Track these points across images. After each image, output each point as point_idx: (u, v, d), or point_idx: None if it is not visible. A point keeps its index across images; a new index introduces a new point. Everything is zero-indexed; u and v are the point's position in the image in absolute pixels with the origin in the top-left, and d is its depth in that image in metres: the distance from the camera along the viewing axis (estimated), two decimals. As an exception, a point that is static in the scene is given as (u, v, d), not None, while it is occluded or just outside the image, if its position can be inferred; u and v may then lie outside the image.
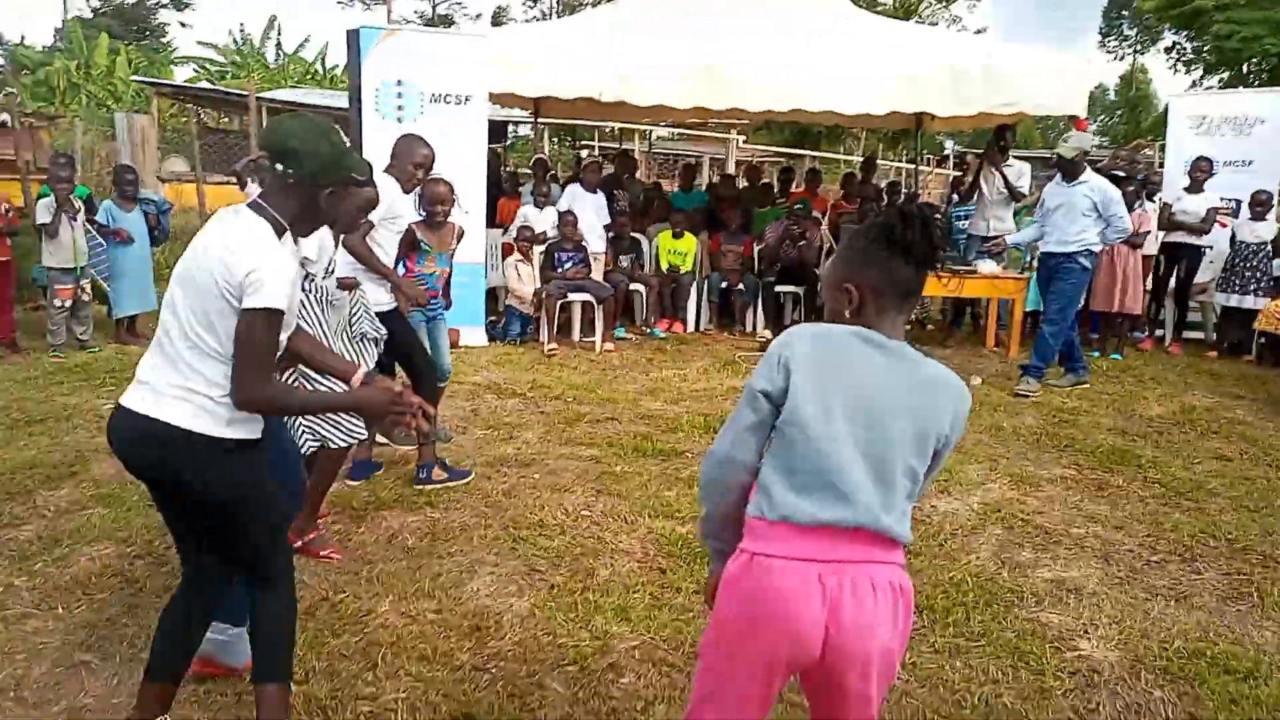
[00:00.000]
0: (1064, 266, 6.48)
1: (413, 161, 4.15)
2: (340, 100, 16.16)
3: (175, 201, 9.59)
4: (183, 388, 2.11)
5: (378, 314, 4.00)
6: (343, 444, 3.58)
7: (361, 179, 2.29)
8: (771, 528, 1.61)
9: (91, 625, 3.01)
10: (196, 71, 28.21)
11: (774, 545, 1.61)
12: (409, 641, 2.96)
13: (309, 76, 27.25)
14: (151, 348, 2.19)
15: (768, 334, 8.35)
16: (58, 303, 6.66)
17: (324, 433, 3.52)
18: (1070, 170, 6.46)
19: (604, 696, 2.71)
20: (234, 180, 8.05)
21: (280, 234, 2.16)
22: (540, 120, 12.30)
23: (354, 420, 3.55)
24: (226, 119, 20.79)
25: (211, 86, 21.61)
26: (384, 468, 4.56)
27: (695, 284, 8.72)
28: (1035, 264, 7.34)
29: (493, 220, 8.96)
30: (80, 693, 2.65)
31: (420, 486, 4.28)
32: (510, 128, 20.40)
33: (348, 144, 2.26)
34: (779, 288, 8.75)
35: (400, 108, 7.29)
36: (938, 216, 1.69)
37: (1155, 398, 6.55)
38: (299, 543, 3.43)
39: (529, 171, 10.02)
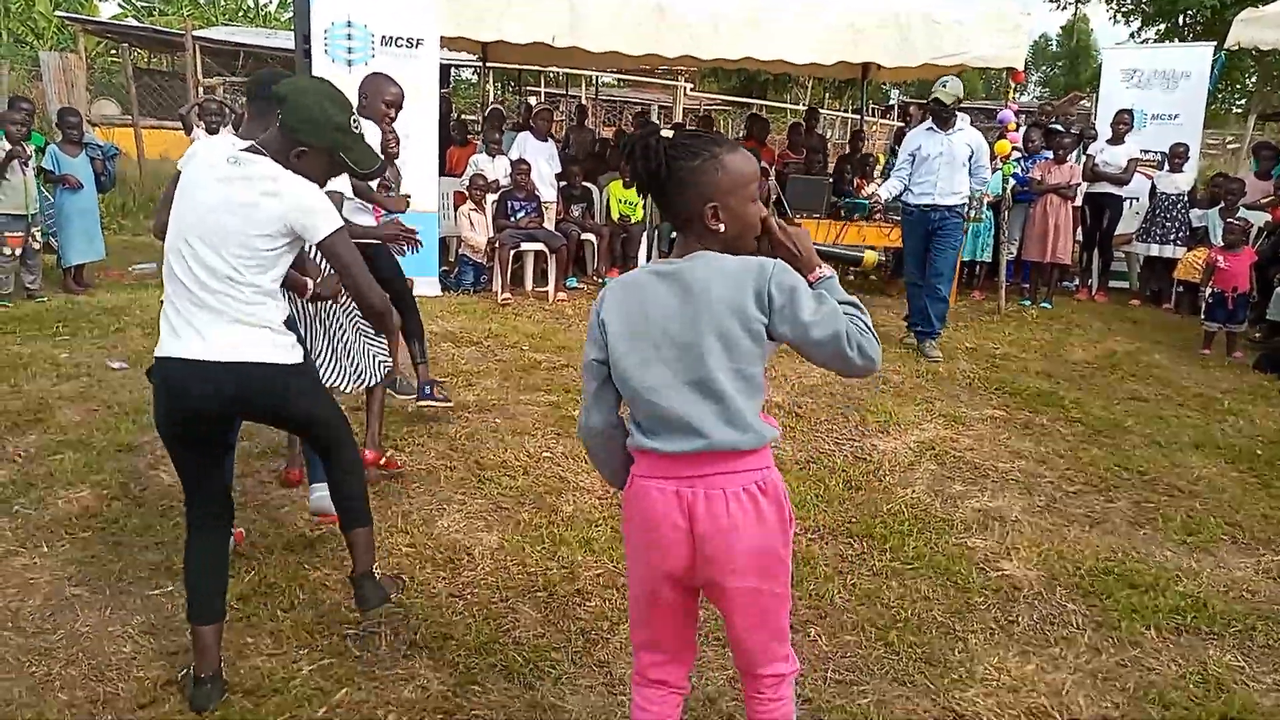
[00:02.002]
0: (949, 221, 6.29)
1: (384, 99, 4.14)
2: (280, 40, 15.76)
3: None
4: (251, 328, 2.31)
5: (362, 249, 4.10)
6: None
7: (362, 171, 2.49)
8: (640, 455, 1.81)
9: (78, 562, 3.14)
10: (122, 7, 27.05)
11: (642, 469, 1.81)
12: (386, 572, 3.15)
13: (241, 13, 26.34)
14: (182, 301, 2.29)
15: (716, 282, 8.55)
16: (6, 251, 6.57)
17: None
18: (948, 119, 6.30)
19: (573, 618, 2.93)
20: (178, 125, 7.92)
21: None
22: (486, 64, 12.19)
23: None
24: (157, 59, 20.09)
25: (141, 24, 20.79)
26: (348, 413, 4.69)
27: (646, 233, 8.86)
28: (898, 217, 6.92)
29: (443, 169, 8.98)
30: (75, 622, 2.80)
31: (421, 403, 4.56)
32: (453, 71, 20.07)
33: (359, 129, 2.44)
34: (727, 237, 8.93)
35: (350, 50, 7.24)
36: (653, 139, 1.76)
37: (1080, 343, 6.94)
38: (382, 460, 3.93)
39: (473, 119, 9.98)
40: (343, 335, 3.73)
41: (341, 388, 3.74)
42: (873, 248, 1.94)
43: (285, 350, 2.38)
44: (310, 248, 2.75)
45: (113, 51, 19.30)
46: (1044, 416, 5.13)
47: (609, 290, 1.84)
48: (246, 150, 2.34)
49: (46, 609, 2.86)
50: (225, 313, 2.28)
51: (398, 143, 4.46)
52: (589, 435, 1.90)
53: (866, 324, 1.76)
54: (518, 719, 2.46)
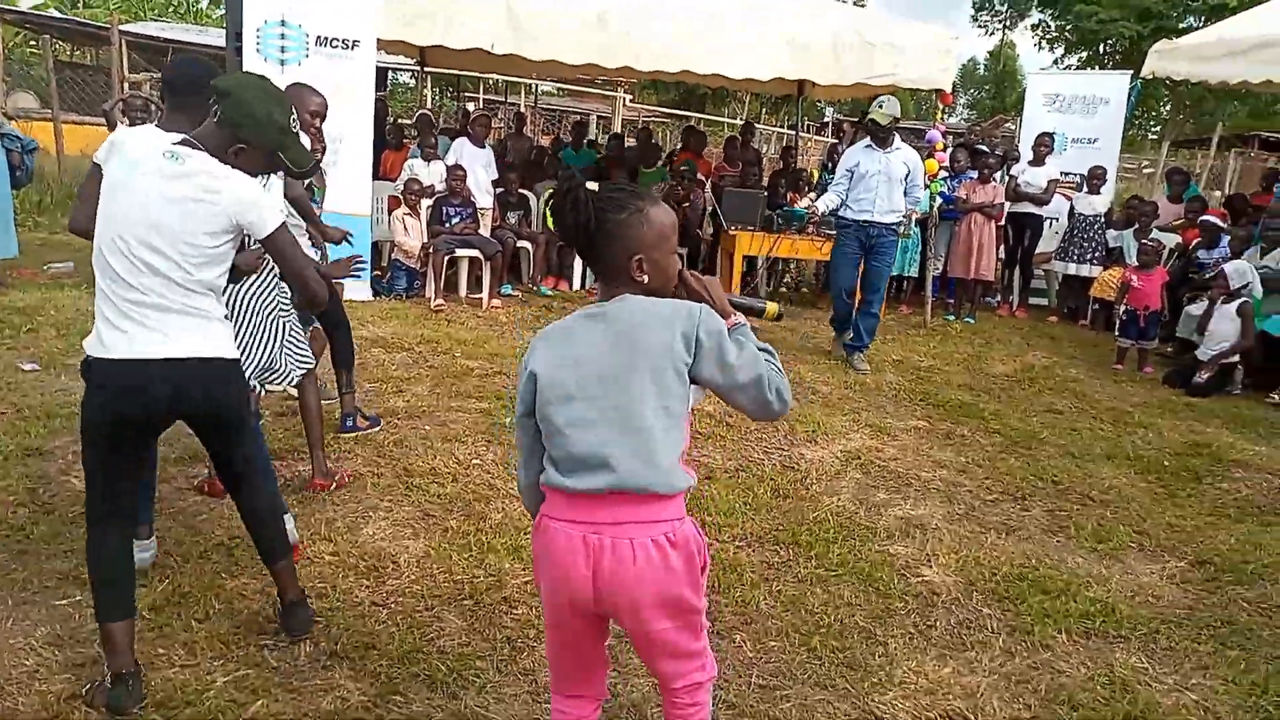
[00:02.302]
0: (885, 240, 6.38)
1: (309, 110, 4.02)
2: (213, 37, 15.38)
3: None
4: (207, 322, 2.34)
5: None
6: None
7: (298, 171, 2.51)
8: (550, 494, 1.81)
9: (-23, 570, 3.01)
10: (45, -2, 26.06)
11: (552, 509, 1.81)
12: (307, 581, 3.08)
13: (172, 9, 25.65)
14: (124, 298, 2.26)
15: (651, 292, 8.59)
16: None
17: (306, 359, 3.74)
18: (886, 138, 6.36)
19: (499, 626, 2.91)
20: (100, 120, 7.66)
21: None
22: (424, 69, 12.08)
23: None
24: (80, 52, 19.41)
25: (64, 15, 20.08)
26: (268, 419, 4.60)
27: (582, 242, 8.86)
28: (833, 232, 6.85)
29: (377, 173, 8.86)
30: (-26, 634, 2.68)
31: (346, 434, 4.45)
32: (390, 75, 19.83)
33: (295, 128, 2.46)
34: (663, 248, 8.98)
35: (284, 49, 7.10)
36: (582, 191, 1.79)
37: (1000, 357, 7.16)
38: (334, 485, 3.85)
39: (410, 123, 9.88)
40: (267, 331, 3.63)
41: (259, 386, 3.65)
42: (775, 300, 2.05)
43: (232, 345, 2.44)
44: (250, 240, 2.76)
45: (32, 43, 18.59)
46: (965, 427, 5.27)
47: (537, 340, 1.86)
48: (180, 144, 2.31)
49: (-57, 619, 2.74)
50: (173, 309, 2.28)
51: (324, 150, 4.41)
52: (531, 496, 1.92)
53: (779, 368, 1.84)
54: (440, 728, 2.43)
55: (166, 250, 2.25)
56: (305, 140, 3.90)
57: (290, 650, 2.71)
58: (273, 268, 3.57)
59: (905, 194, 6.44)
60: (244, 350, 3.52)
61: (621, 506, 1.73)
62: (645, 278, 1.82)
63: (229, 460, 2.60)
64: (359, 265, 3.99)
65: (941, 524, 3.89)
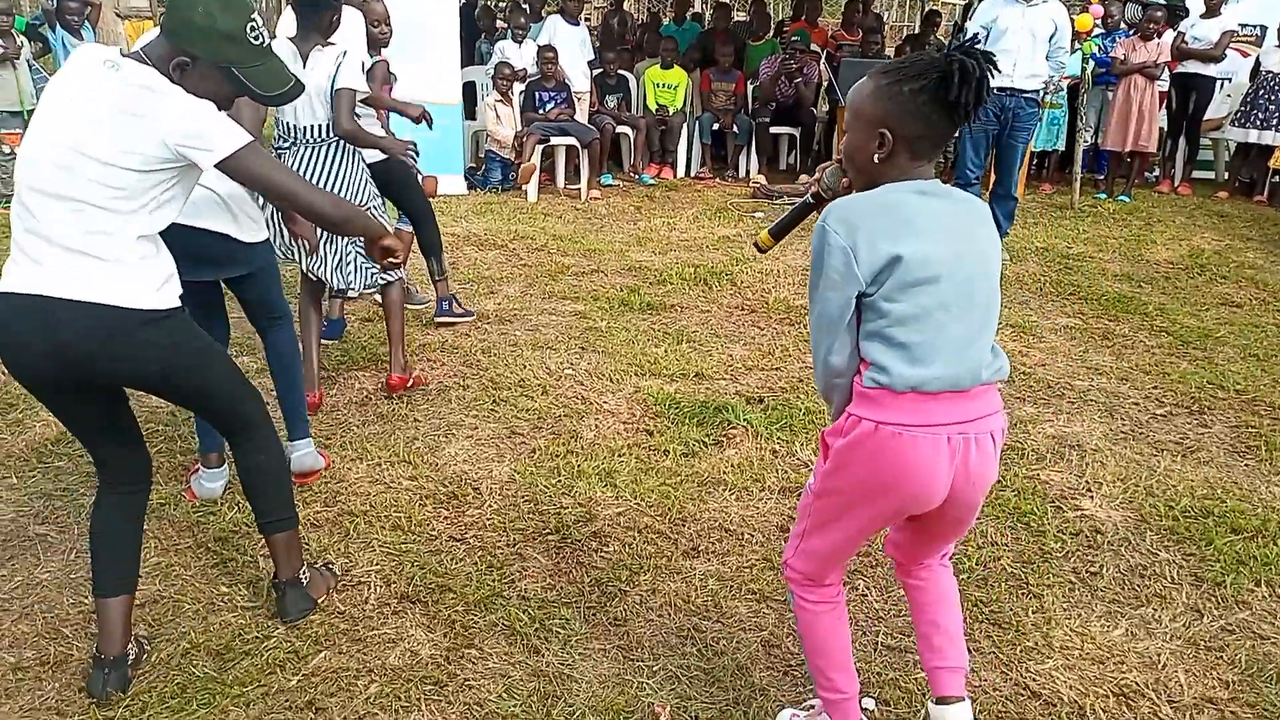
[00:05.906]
0: (1025, 111, 5.51)
1: (373, 20, 3.71)
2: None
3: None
4: (115, 259, 1.88)
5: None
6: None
7: (264, 95, 2.02)
8: (897, 398, 1.57)
9: (47, 495, 2.87)
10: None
11: (901, 415, 1.57)
12: (382, 510, 2.83)
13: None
14: (41, 221, 1.84)
15: (762, 179, 7.97)
16: (5, 149, 6.24)
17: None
18: None
19: (587, 566, 2.59)
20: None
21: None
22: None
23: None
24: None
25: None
26: (354, 325, 4.36)
27: (685, 126, 8.26)
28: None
29: (470, 58, 8.41)
30: (36, 566, 2.53)
31: (440, 319, 4.38)
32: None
33: (261, 39, 1.98)
34: (774, 129, 8.31)
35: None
36: (991, 68, 1.54)
37: (1163, 241, 6.30)
38: (409, 381, 3.66)
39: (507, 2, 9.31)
40: (337, 245, 3.43)
41: (352, 291, 3.55)
42: None
43: (142, 289, 1.92)
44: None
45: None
46: (1125, 325, 4.59)
47: (852, 216, 1.56)
48: (129, 57, 1.91)
49: (5, 551, 2.59)
50: (92, 235, 1.86)
51: (390, 32, 4.09)
52: (841, 380, 1.66)
53: None
54: (518, 690, 2.13)
55: (96, 165, 1.84)
56: (357, 26, 3.50)
57: (359, 591, 2.46)
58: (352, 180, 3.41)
59: (1048, 56, 5.54)
60: (329, 263, 3.44)
61: (982, 399, 1.62)
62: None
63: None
64: (411, 150, 3.73)
65: (1102, 444, 3.34)
